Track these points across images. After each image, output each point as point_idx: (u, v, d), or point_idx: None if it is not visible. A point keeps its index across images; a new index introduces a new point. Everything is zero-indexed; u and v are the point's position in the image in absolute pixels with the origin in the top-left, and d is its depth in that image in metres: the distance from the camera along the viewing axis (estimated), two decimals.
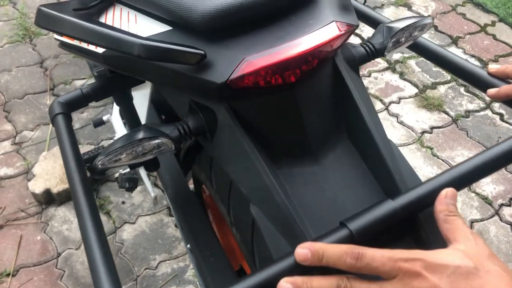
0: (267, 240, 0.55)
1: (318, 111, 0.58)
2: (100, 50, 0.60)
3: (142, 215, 1.72)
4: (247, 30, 0.52)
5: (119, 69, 0.63)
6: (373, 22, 0.77)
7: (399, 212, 0.51)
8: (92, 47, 0.61)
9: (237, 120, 0.56)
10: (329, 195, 0.56)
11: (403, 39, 0.66)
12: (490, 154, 0.56)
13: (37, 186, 1.68)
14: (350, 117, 0.59)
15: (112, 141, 1.42)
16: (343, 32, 0.52)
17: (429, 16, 0.59)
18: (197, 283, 1.25)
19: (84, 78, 2.19)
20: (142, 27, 0.57)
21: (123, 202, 1.75)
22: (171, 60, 0.50)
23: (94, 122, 1.48)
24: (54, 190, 1.68)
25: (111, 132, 1.94)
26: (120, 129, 1.41)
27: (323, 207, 0.56)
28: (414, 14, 2.64)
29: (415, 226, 0.54)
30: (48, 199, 1.72)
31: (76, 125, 1.98)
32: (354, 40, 2.46)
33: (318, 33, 0.51)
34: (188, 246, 1.15)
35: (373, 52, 0.65)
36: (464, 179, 0.54)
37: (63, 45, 0.69)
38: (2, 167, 1.84)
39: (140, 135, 0.55)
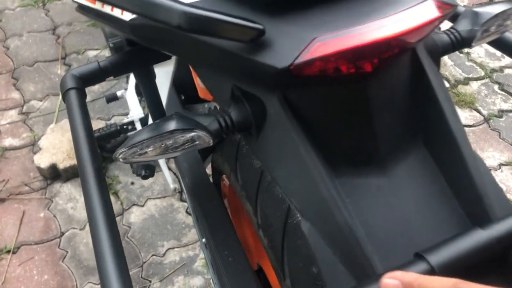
0: (322, 267, 0.45)
1: (393, 110, 0.47)
2: (127, 16, 0.50)
3: (152, 198, 1.62)
4: (319, 4, 0.41)
5: (147, 42, 0.52)
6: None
7: (493, 245, 0.41)
8: (117, 13, 0.50)
9: (292, 115, 0.45)
10: (398, 216, 0.46)
11: (493, 28, 0.54)
12: None
13: (42, 160, 1.59)
14: (429, 119, 0.48)
15: (126, 119, 1.31)
16: (441, 14, 0.40)
17: None
18: (211, 281, 1.15)
19: (97, 49, 2.07)
20: None
21: (132, 183, 1.65)
22: (220, 35, 0.39)
23: (107, 97, 1.37)
24: (61, 165, 1.58)
25: (124, 108, 1.83)
26: (134, 107, 1.30)
27: (391, 231, 0.45)
28: None
29: (506, 263, 0.44)
30: (53, 174, 1.63)
31: (86, 97, 1.87)
32: None
33: (412, 12, 0.40)
34: (204, 240, 1.06)
35: (458, 41, 0.54)
36: None
37: (81, 8, 0.58)
38: (7, 137, 1.75)
39: (172, 125, 0.45)
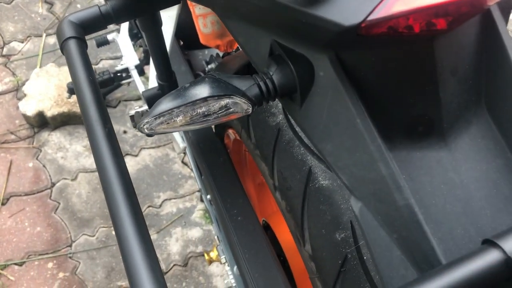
0: (375, 251, 0.40)
1: (459, 74, 0.41)
2: None
3: (146, 147, 1.56)
4: None
5: None
6: None
7: None
8: None
9: (346, 79, 0.38)
10: (460, 194, 0.41)
11: None
12: None
13: (28, 107, 1.50)
14: (496, 85, 0.42)
15: (120, 66, 1.22)
16: None
17: None
18: (216, 237, 1.12)
19: None
20: None
21: (124, 132, 1.58)
22: None
23: (97, 41, 1.27)
24: (48, 113, 1.50)
25: (112, 51, 1.72)
26: (128, 52, 1.21)
27: (452, 211, 0.40)
28: None
29: None
30: (41, 122, 1.54)
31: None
32: None
33: None
34: (208, 197, 1.02)
35: None
36: None
37: None
38: None
39: (206, 91, 0.38)
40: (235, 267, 0.92)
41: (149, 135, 0.98)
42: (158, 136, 1.59)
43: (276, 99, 0.42)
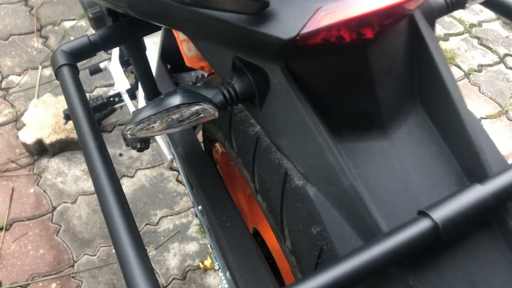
0: (329, 229, 0.47)
1: (392, 75, 0.48)
2: None
3: (141, 168, 1.63)
4: None
5: (145, 16, 0.52)
6: None
7: (490, 200, 0.43)
8: None
9: (295, 83, 0.46)
10: (400, 175, 0.48)
11: None
12: None
13: (28, 136, 1.57)
14: (426, 81, 0.49)
15: (112, 91, 1.30)
16: None
17: None
18: (209, 246, 1.18)
19: (74, 19, 2.02)
20: None
21: (120, 155, 1.65)
22: (224, 8, 0.40)
23: (90, 70, 1.35)
24: (47, 140, 1.57)
25: (106, 79, 1.81)
26: (119, 78, 1.29)
27: (393, 190, 0.47)
28: None
29: (503, 215, 0.46)
30: (40, 149, 1.61)
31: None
32: None
33: None
34: (200, 208, 1.08)
35: (453, 3, 0.55)
36: None
37: None
38: None
39: (178, 100, 0.45)
40: (228, 273, 0.98)
41: (139, 149, 1.05)
42: (152, 157, 1.66)
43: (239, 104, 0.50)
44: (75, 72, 0.64)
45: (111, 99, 1.24)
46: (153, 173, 1.62)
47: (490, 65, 2.01)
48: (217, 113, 0.47)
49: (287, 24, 0.40)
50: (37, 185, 1.57)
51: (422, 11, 0.50)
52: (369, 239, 0.45)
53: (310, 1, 0.40)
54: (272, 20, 0.41)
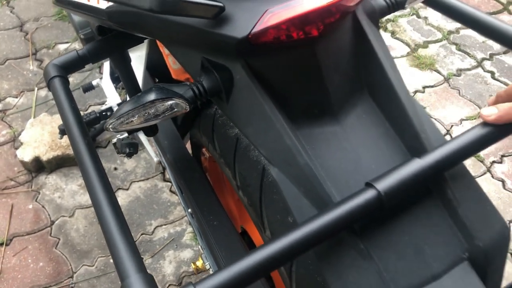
0: (289, 202, 0.54)
1: (340, 68, 0.55)
2: (103, 5, 0.56)
3: (136, 180, 1.69)
4: None
5: (124, 27, 0.59)
6: None
7: (427, 171, 0.50)
8: (93, 2, 0.57)
9: (255, 78, 0.53)
10: (351, 155, 0.54)
11: None
12: None
13: (25, 154, 1.64)
14: (371, 73, 0.56)
15: (105, 106, 1.37)
16: None
17: None
18: (198, 246, 1.24)
19: (67, 42, 2.10)
20: None
21: (115, 168, 1.71)
22: (187, 14, 0.47)
23: (83, 87, 1.43)
24: (44, 157, 1.63)
25: (99, 97, 1.88)
26: (111, 94, 1.36)
27: (346, 168, 0.54)
28: None
29: (442, 185, 0.53)
30: (37, 167, 1.68)
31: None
32: None
33: None
34: (189, 210, 1.14)
35: (393, 4, 0.62)
36: (490, 136, 0.52)
37: (57, 1, 0.64)
38: None
39: (153, 96, 0.52)
40: (217, 269, 1.03)
41: (128, 154, 1.11)
42: (146, 170, 1.72)
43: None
44: (65, 83, 0.70)
45: (104, 113, 1.31)
46: (147, 185, 1.68)
47: (469, 69, 2.09)
48: (188, 107, 0.54)
49: (240, 25, 0.47)
50: (36, 201, 1.63)
51: (365, 12, 0.57)
52: None
53: (260, 5, 0.47)
54: (228, 22, 0.48)
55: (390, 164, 0.52)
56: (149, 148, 1.24)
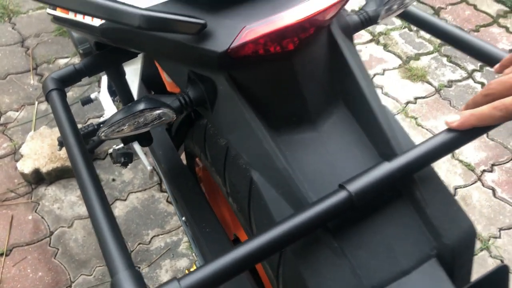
0: (269, 204, 0.57)
1: (316, 79, 0.59)
2: (97, 23, 0.61)
3: (133, 191, 1.73)
4: (246, 0, 0.53)
5: (116, 42, 0.63)
6: None
7: (395, 173, 0.53)
8: (88, 20, 0.61)
9: (237, 89, 0.57)
10: (327, 160, 0.58)
11: (395, 6, 0.67)
12: None
13: (25, 166, 1.68)
14: (346, 84, 0.60)
15: (102, 118, 1.42)
16: (338, 0, 0.53)
17: None
18: (193, 255, 1.27)
19: (67, 57, 2.15)
20: None
21: (113, 180, 1.75)
22: (172, 30, 0.51)
23: (82, 101, 1.47)
24: (43, 169, 1.67)
25: (98, 110, 1.93)
26: (109, 107, 1.41)
27: (322, 171, 0.58)
28: None
29: (411, 187, 0.57)
30: (37, 178, 1.71)
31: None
32: None
33: (315, 1, 0.52)
34: (183, 218, 1.18)
35: (366, 19, 0.67)
36: (454, 142, 0.56)
37: (56, 19, 0.69)
38: None
39: (142, 106, 0.56)
40: None
41: (123, 163, 1.15)
42: (143, 180, 1.76)
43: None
44: (63, 95, 0.75)
45: (101, 125, 1.35)
46: (145, 196, 1.72)
47: (459, 81, 2.13)
48: (175, 116, 0.58)
49: (220, 40, 0.52)
50: (35, 212, 1.67)
51: (340, 27, 0.62)
52: None
53: (239, 22, 0.52)
54: (209, 38, 0.52)
55: (363, 167, 0.56)
56: (143, 157, 1.28)
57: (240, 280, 0.98)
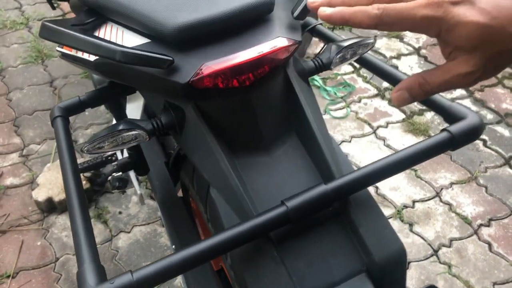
0: (222, 217, 0.66)
1: (272, 113, 0.69)
2: (92, 58, 0.72)
3: (138, 225, 1.82)
4: (209, 41, 0.64)
5: (107, 75, 0.74)
6: (329, 40, 0.89)
7: (330, 194, 0.61)
8: (85, 56, 0.73)
9: (202, 117, 0.67)
10: (276, 181, 0.67)
11: (348, 56, 0.77)
12: (415, 149, 0.66)
13: (40, 194, 1.80)
14: (298, 118, 0.70)
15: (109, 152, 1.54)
16: (286, 45, 0.63)
17: (371, 37, 0.69)
18: (180, 283, 1.33)
19: None
20: (128, 40, 0.69)
21: (120, 212, 1.85)
22: (145, 64, 0.62)
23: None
24: (56, 198, 1.79)
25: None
26: None
27: (270, 190, 0.66)
28: (406, 46, 2.77)
29: (347, 207, 0.65)
30: (50, 207, 1.83)
31: (80, 139, 2.11)
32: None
33: (265, 44, 0.62)
34: (173, 246, 1.25)
35: (320, 66, 0.77)
36: (388, 170, 0.64)
37: (63, 55, 0.81)
38: (9, 177, 1.96)
39: (120, 126, 0.67)
40: None
41: (117, 187, 1.24)
42: (148, 215, 1.85)
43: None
44: (66, 122, 0.86)
45: (108, 158, 1.47)
46: (148, 229, 1.81)
47: None
48: (147, 137, 0.68)
49: (184, 74, 0.62)
50: (44, 238, 1.77)
51: (296, 70, 0.72)
52: None
53: (201, 59, 0.62)
54: (176, 71, 0.63)
55: (305, 188, 0.64)
56: (135, 183, 1.39)
57: (206, 277, 1.04)
